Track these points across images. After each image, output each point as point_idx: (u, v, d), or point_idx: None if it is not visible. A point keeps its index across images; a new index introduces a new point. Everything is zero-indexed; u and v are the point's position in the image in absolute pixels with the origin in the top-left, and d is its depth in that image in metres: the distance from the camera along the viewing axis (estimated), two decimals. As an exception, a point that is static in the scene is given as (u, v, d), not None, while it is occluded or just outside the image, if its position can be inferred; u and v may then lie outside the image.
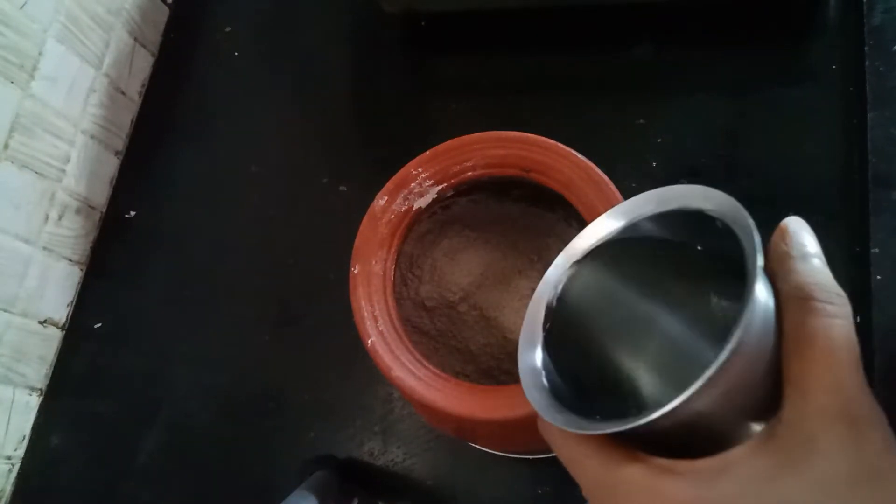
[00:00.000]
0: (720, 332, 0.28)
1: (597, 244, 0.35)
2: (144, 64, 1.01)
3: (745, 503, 0.24)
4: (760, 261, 0.28)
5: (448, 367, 0.58)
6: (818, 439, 0.24)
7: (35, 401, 0.87)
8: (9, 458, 0.84)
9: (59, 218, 0.88)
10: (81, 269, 0.93)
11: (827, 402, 0.25)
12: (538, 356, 0.34)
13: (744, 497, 0.24)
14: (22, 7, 0.80)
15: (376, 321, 0.45)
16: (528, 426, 0.53)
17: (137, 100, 1.00)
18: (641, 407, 0.29)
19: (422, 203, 0.54)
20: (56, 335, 0.89)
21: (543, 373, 0.33)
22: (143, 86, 1.01)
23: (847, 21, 0.78)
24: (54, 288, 0.88)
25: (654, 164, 0.78)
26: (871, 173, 0.70)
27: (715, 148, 0.77)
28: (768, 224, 0.75)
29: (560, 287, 0.35)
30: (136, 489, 0.82)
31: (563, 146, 0.53)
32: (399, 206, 0.52)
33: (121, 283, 0.92)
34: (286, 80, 0.97)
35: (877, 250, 0.68)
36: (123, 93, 0.98)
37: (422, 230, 0.60)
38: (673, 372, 0.32)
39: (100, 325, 0.90)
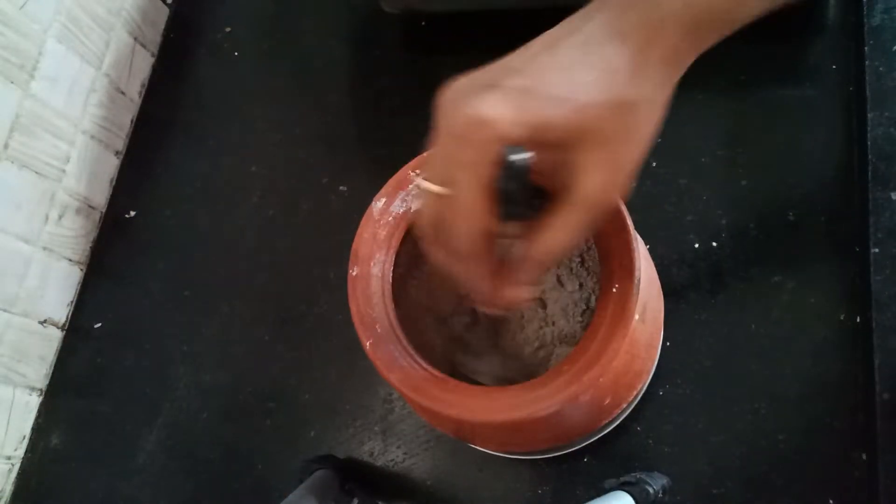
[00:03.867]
0: None
1: None
2: (144, 64, 1.01)
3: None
4: None
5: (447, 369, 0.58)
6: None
7: (35, 401, 0.87)
8: (9, 458, 0.84)
9: (60, 218, 0.88)
10: (81, 269, 0.93)
11: None
12: None
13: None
14: (22, 7, 0.80)
15: (375, 323, 0.45)
16: (527, 427, 0.53)
17: (137, 100, 1.00)
18: None
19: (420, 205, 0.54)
20: (56, 335, 0.89)
21: None
22: (143, 86, 1.01)
23: (847, 21, 0.78)
24: (54, 288, 0.88)
25: (654, 164, 0.78)
26: (871, 173, 0.70)
27: (715, 148, 0.77)
28: (769, 224, 0.76)
29: None
30: (136, 489, 0.82)
31: (563, 147, 0.53)
32: (397, 207, 0.52)
33: (121, 283, 0.92)
34: (286, 81, 0.97)
35: (877, 250, 0.68)
36: (123, 93, 0.98)
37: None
38: None
39: (100, 325, 0.90)
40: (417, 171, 0.44)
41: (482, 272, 0.31)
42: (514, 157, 0.28)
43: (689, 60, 0.29)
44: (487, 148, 0.27)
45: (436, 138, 0.29)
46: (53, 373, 0.88)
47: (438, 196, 0.29)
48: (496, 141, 0.27)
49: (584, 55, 0.27)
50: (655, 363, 0.63)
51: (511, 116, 0.26)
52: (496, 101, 0.27)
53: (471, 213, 0.28)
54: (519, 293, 0.32)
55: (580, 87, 0.27)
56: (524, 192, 0.29)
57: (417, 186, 0.30)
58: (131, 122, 0.99)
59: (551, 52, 0.28)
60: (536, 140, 0.27)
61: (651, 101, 0.28)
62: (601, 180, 0.28)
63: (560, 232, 0.30)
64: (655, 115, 0.29)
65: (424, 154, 0.53)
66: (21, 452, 0.85)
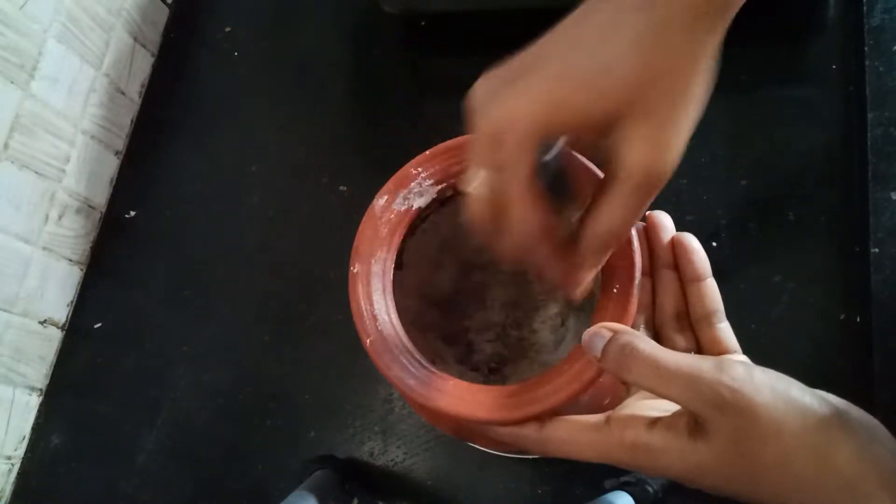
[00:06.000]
0: None
1: None
2: (144, 64, 1.01)
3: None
4: None
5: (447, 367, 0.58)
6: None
7: (35, 401, 0.87)
8: (9, 458, 0.84)
9: (59, 218, 0.88)
10: (81, 269, 0.93)
11: None
12: None
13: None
14: (22, 7, 0.80)
15: (375, 320, 0.45)
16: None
17: (137, 100, 1.00)
18: None
19: (421, 203, 0.54)
20: (56, 335, 0.89)
21: None
22: (143, 86, 1.01)
23: (847, 21, 0.78)
24: (54, 288, 0.88)
25: (654, 164, 0.78)
26: (871, 173, 0.70)
27: (715, 148, 0.77)
28: (769, 224, 0.75)
29: None
30: (136, 489, 0.82)
31: (563, 146, 0.53)
32: (399, 205, 0.52)
33: (121, 283, 0.92)
34: (286, 80, 0.97)
35: (877, 250, 0.68)
36: (123, 93, 0.98)
37: (421, 229, 0.60)
38: None
39: (100, 325, 0.90)
40: (420, 169, 0.44)
41: (549, 259, 0.32)
42: (547, 157, 0.29)
43: (726, 15, 0.28)
44: (523, 147, 0.27)
45: (472, 140, 0.29)
46: (53, 373, 0.88)
47: (480, 197, 0.30)
48: (530, 139, 0.27)
49: (612, 26, 0.27)
50: (656, 363, 0.63)
51: (540, 112, 0.27)
52: (524, 100, 0.27)
53: (521, 210, 0.29)
54: (585, 276, 0.33)
55: (611, 61, 0.27)
56: (565, 182, 0.30)
57: (462, 186, 0.31)
58: (131, 122, 0.99)
59: (579, 27, 0.28)
60: (574, 129, 0.28)
61: (687, 62, 0.28)
62: (646, 154, 0.28)
63: (612, 211, 0.30)
64: (696, 77, 0.28)
65: (427, 152, 0.53)
66: (21, 452, 0.85)
